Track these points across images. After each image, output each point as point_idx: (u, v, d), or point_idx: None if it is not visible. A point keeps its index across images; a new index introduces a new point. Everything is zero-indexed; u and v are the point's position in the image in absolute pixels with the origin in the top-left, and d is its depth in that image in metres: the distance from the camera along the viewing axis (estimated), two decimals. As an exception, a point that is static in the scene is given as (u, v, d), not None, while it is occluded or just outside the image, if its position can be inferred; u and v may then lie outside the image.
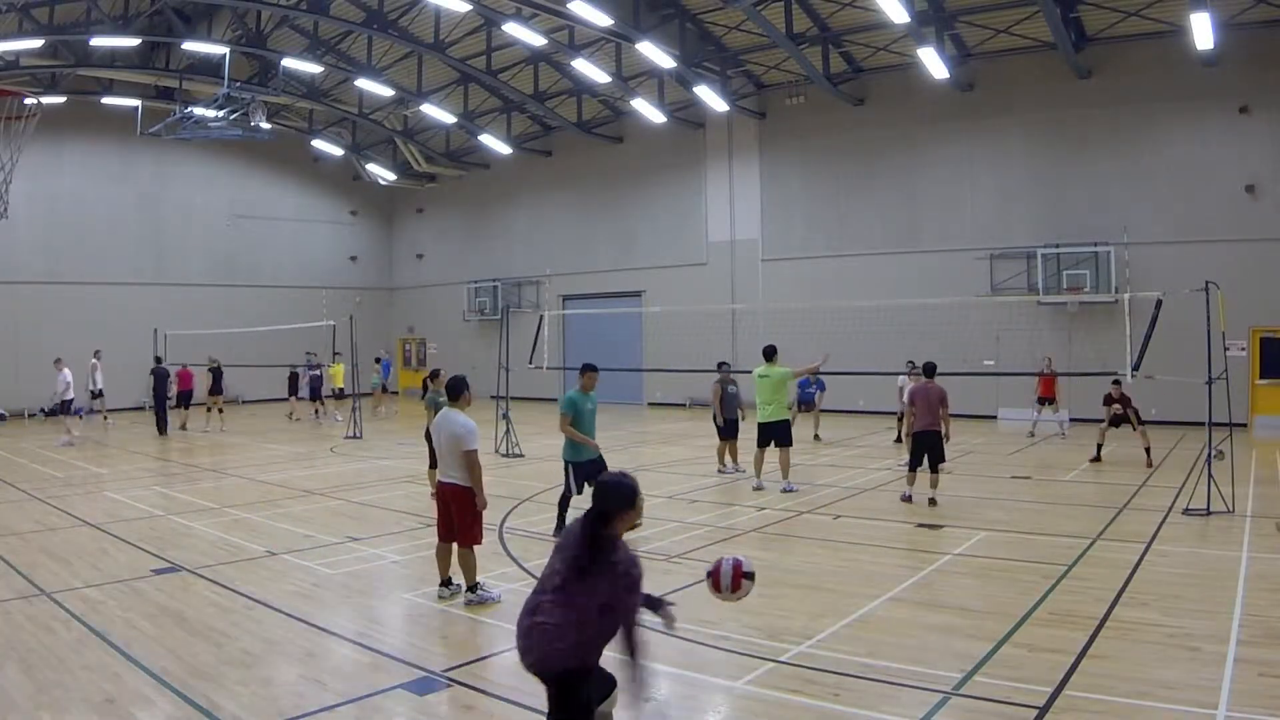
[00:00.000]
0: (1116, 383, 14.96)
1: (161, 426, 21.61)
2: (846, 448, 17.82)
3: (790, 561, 8.67)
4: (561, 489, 9.84)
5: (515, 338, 18.34)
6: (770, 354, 12.77)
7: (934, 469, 11.45)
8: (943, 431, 11.53)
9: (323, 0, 21.88)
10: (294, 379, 25.98)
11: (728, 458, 14.59)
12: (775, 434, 12.55)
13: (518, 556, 8.89)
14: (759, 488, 12.59)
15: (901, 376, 18.42)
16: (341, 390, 24.61)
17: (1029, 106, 22.24)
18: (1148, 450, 14.72)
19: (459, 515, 7.26)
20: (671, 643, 6.36)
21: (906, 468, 11.79)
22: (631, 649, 3.76)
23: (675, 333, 24.76)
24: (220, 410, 22.90)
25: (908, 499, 11.51)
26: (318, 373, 25.30)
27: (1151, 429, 19.47)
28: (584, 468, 9.57)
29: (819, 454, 16.86)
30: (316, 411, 25.30)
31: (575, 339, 29.54)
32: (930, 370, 11.84)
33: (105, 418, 23.92)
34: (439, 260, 35.53)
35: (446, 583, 7.52)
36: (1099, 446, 15.23)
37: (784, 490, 12.29)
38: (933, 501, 11.33)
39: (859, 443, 18.63)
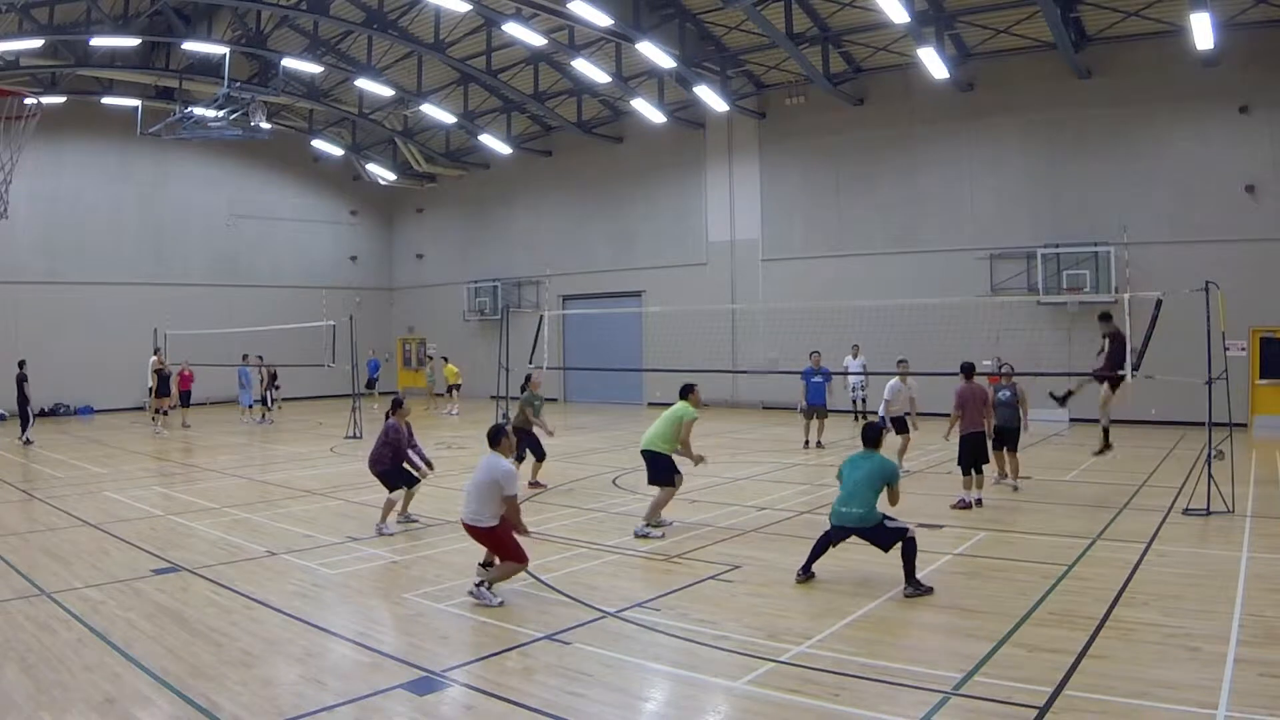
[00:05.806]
0: None
1: None
2: (847, 448, 17.78)
3: (790, 561, 8.65)
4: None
5: (515, 338, 18.32)
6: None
7: (979, 470, 11.22)
8: (986, 431, 11.43)
9: (323, 0, 21.87)
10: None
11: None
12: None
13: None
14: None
15: (846, 357, 20.44)
16: (458, 386, 26.98)
17: (1029, 106, 22.23)
18: None
19: (497, 549, 7.46)
20: (672, 643, 6.38)
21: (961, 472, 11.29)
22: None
23: (675, 333, 24.74)
24: (165, 413, 22.57)
25: (967, 505, 11.01)
26: (258, 375, 24.91)
27: (1152, 429, 19.61)
28: None
29: (821, 453, 16.84)
30: (262, 415, 24.76)
31: (575, 339, 29.54)
32: (969, 370, 11.73)
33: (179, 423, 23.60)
34: (439, 260, 35.52)
35: (488, 564, 7.62)
36: None
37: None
38: (980, 502, 11.14)
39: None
